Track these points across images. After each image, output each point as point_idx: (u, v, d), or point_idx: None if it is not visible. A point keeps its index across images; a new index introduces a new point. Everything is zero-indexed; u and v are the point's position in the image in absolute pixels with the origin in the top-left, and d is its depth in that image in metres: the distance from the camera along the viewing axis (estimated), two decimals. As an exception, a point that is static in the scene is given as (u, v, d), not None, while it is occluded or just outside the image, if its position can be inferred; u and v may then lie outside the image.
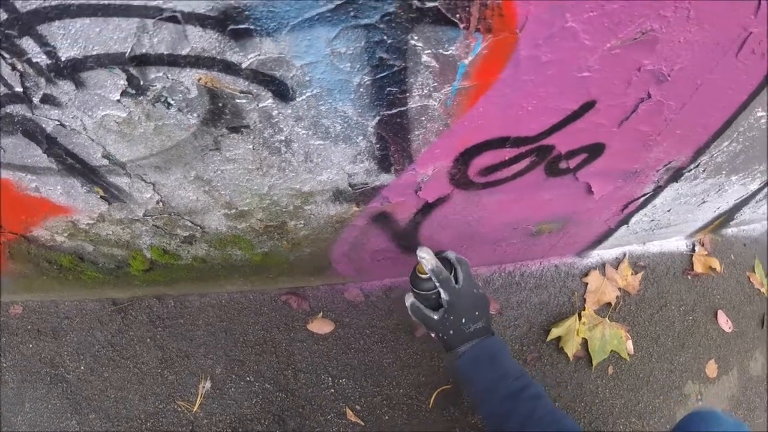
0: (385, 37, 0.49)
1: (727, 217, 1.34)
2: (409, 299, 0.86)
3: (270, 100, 0.56)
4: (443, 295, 0.80)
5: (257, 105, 0.56)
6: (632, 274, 1.22)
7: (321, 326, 1.04)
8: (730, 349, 1.26)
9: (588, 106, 0.64)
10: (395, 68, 0.53)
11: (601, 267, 1.21)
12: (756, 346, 1.29)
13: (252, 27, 0.46)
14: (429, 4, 0.46)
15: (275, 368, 1.04)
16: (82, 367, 1.06)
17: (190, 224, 0.80)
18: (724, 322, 1.27)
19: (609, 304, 1.18)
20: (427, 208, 0.82)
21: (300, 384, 1.03)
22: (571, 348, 1.11)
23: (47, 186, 0.67)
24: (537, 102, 0.61)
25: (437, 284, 0.80)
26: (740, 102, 0.71)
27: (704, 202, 1.20)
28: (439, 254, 0.84)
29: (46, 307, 1.10)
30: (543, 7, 0.47)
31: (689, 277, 1.28)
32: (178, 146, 0.62)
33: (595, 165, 0.80)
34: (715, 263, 1.30)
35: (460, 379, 0.83)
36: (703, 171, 0.98)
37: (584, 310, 1.15)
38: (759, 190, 1.28)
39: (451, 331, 0.80)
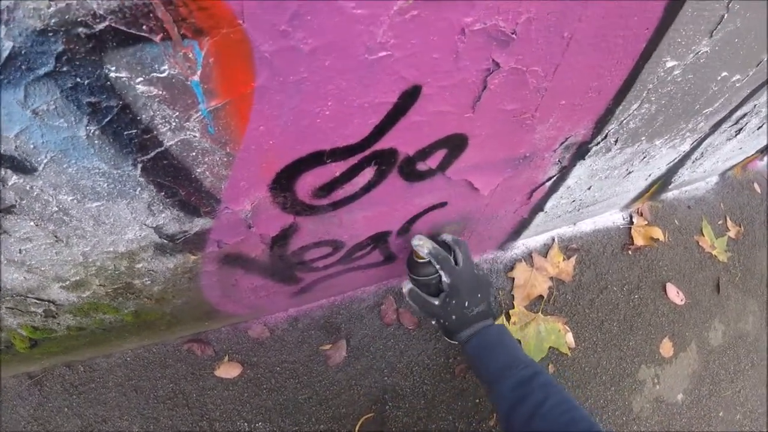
0: (78, 80, 0.41)
1: (663, 182, 1.22)
2: (407, 286, 0.82)
3: (15, 177, 0.49)
4: (444, 278, 0.76)
5: (6, 185, 0.49)
6: (564, 259, 1.12)
7: (228, 370, 0.97)
8: (684, 323, 1.14)
9: (412, 95, 0.50)
10: (115, 109, 0.44)
11: (528, 257, 1.10)
12: (714, 314, 1.17)
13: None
14: (99, 27, 0.37)
15: (190, 421, 0.97)
16: (13, 447, 1.02)
17: (37, 301, 0.74)
18: (675, 295, 1.15)
19: (541, 296, 1.08)
20: (280, 240, 0.74)
21: (217, 434, 0.97)
22: (503, 351, 1.01)
23: None
24: (334, 103, 0.49)
25: (437, 266, 0.76)
26: (638, 52, 0.57)
27: (630, 172, 1.09)
28: (433, 238, 0.80)
29: (-28, 391, 1.06)
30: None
31: (630, 253, 1.17)
32: (-32, 235, 0.56)
33: (465, 159, 0.68)
34: (657, 232, 1.18)
35: (468, 364, 0.80)
36: (616, 141, 0.86)
37: (513, 308, 1.05)
38: (693, 149, 1.16)
39: (453, 317, 0.77)
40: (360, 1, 0.38)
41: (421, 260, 0.78)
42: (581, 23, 0.48)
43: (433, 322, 0.81)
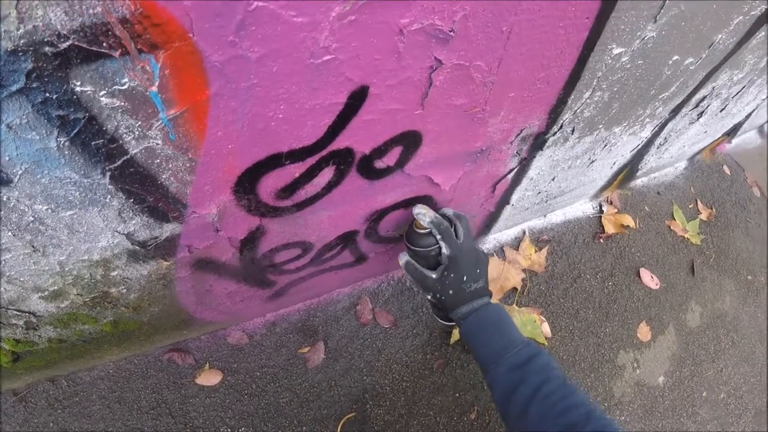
0: (47, 95, 0.48)
1: (630, 169, 1.30)
2: (404, 258, 0.83)
3: (-9, 188, 0.56)
4: (444, 250, 0.77)
5: (-17, 197, 0.56)
6: (536, 251, 1.20)
7: (209, 378, 1.04)
8: (661, 306, 1.22)
9: (360, 95, 0.55)
10: (82, 120, 0.52)
11: (500, 251, 1.18)
12: (690, 296, 1.24)
13: None
14: (63, 45, 0.44)
15: (174, 430, 1.04)
16: (1, 466, 1.08)
17: (17, 313, 0.81)
18: (649, 279, 1.23)
19: (515, 289, 1.16)
20: (248, 243, 0.81)
21: (201, 442, 1.03)
22: (480, 344, 1.09)
23: None
24: (286, 106, 0.54)
25: (438, 237, 0.77)
26: (581, 41, 0.61)
27: (593, 161, 1.16)
28: (434, 211, 0.82)
29: (-41, 410, 1.12)
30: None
31: (602, 241, 1.25)
32: (-51, 245, 0.63)
33: (422, 155, 0.75)
34: (628, 220, 1.26)
35: (463, 342, 0.80)
36: (573, 131, 0.93)
37: (487, 301, 1.13)
38: (655, 135, 1.24)
39: (451, 291, 0.77)
40: (300, 10, 0.43)
41: (422, 231, 0.80)
42: (518, 17, 0.52)
43: (428, 297, 0.83)
